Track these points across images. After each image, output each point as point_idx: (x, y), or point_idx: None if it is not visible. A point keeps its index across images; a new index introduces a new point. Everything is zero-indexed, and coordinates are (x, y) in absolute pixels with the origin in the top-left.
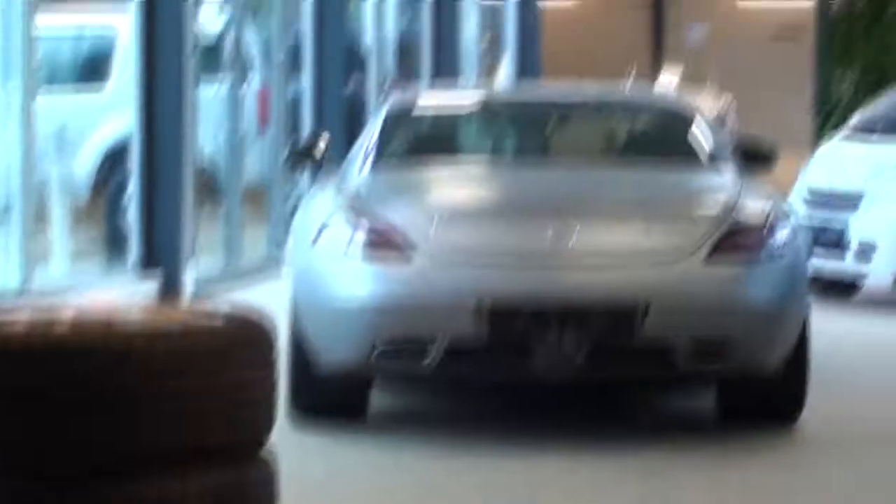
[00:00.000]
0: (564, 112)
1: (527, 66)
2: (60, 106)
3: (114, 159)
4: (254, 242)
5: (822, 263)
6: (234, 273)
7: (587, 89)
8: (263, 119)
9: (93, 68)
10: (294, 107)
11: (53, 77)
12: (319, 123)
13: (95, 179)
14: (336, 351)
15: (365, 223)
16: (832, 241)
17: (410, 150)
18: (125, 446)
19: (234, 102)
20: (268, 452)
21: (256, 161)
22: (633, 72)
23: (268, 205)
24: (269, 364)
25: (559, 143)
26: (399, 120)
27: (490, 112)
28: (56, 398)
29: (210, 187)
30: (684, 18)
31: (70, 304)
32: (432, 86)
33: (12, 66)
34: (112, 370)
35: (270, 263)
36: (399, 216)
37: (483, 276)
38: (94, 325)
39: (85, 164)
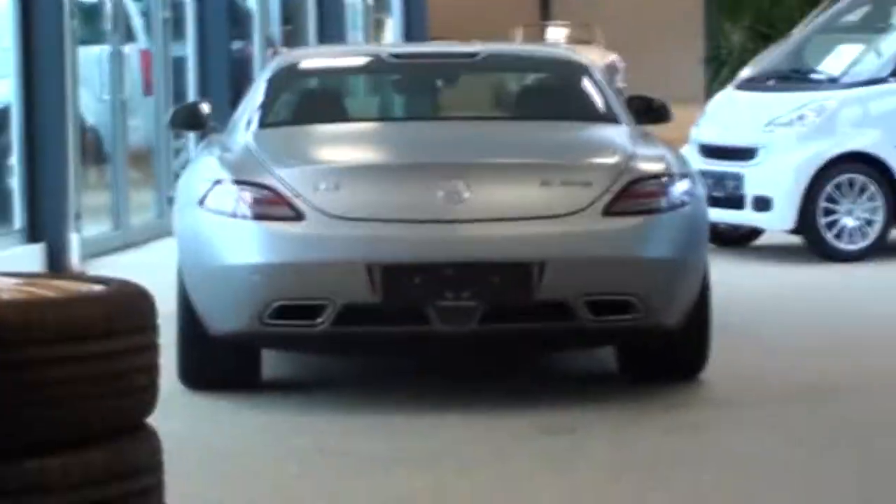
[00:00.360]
0: (453, 69)
1: (413, 26)
2: None
3: None
4: (142, 206)
5: (720, 214)
6: (122, 238)
7: (476, 46)
8: (147, 81)
9: None
10: (179, 69)
11: None
12: (204, 85)
13: None
14: (225, 316)
15: (253, 182)
16: (728, 193)
17: (297, 110)
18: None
19: (117, 64)
20: (150, 425)
21: (142, 124)
22: (521, 29)
23: (155, 167)
24: (148, 332)
25: (449, 100)
26: (285, 79)
27: (378, 70)
28: None
29: (96, 151)
30: None
31: None
32: (318, 44)
33: None
34: None
35: (158, 227)
36: (288, 175)
37: (375, 234)
38: None
39: None
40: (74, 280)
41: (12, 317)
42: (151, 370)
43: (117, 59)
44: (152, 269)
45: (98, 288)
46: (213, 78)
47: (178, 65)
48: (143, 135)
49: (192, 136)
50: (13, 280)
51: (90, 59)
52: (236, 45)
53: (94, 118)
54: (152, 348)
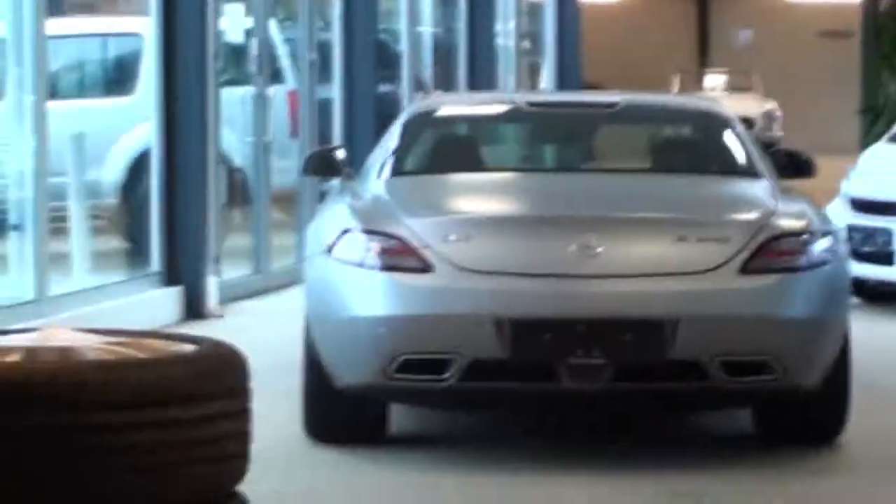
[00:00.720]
0: (591, 119)
1: (566, 71)
2: (88, 112)
3: (141, 165)
4: (283, 250)
5: (869, 269)
6: (262, 282)
7: (616, 96)
8: (294, 121)
9: (120, 74)
10: (325, 111)
11: (80, 83)
12: (350, 128)
13: (123, 186)
14: (351, 368)
15: (382, 231)
16: (877, 248)
17: (431, 157)
18: (82, 486)
19: (262, 104)
20: (241, 493)
21: (289, 166)
22: (678, 76)
23: (298, 211)
24: (239, 396)
25: (588, 151)
26: (421, 125)
27: (514, 119)
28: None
29: (242, 193)
30: (729, 16)
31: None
32: (466, 90)
33: (24, 71)
34: (65, 400)
35: (299, 272)
36: (417, 225)
37: (505, 288)
38: (49, 353)
39: (112, 170)
40: (167, 339)
41: (93, 377)
42: (241, 437)
43: (261, 100)
44: (290, 315)
45: (188, 348)
46: (359, 121)
47: (325, 107)
48: (290, 177)
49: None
50: (104, 338)
51: (234, 101)
52: (384, 87)
53: (240, 159)
54: (243, 413)
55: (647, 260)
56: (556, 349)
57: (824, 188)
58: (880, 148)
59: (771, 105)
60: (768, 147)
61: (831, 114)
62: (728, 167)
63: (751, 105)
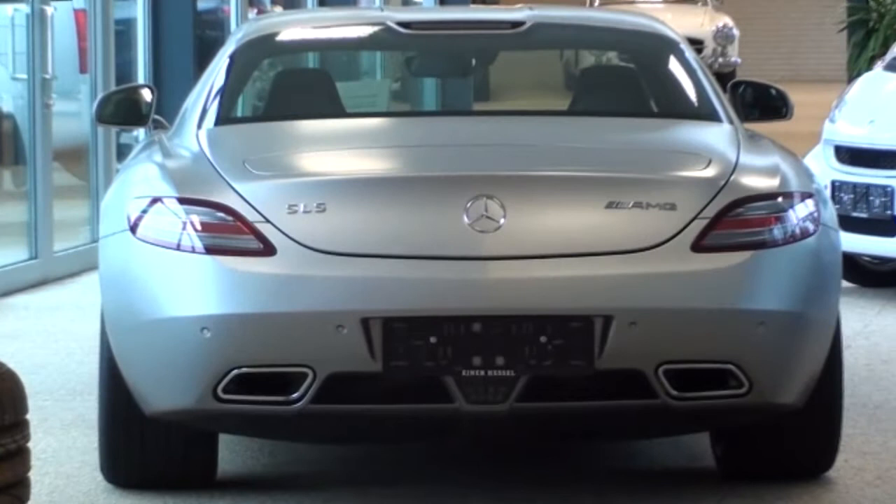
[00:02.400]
0: (489, 44)
1: None
2: None
3: None
4: (70, 227)
5: (862, 241)
6: (41, 270)
7: (522, 12)
8: (83, 51)
9: None
10: (124, 35)
11: None
12: (159, 57)
13: None
14: (166, 389)
15: (205, 200)
16: (873, 214)
17: (270, 100)
18: None
19: (39, 28)
20: None
21: (76, 110)
22: None
23: (91, 173)
24: (11, 431)
25: (484, 88)
26: (256, 54)
27: (382, 45)
28: None
29: (13, 148)
30: None
31: None
32: (315, 6)
33: None
34: None
35: (93, 256)
36: (254, 191)
37: (374, 276)
38: None
39: None
40: None
41: None
42: (15, 488)
43: (37, 21)
44: (81, 315)
45: None
46: (172, 50)
47: (125, 31)
48: (78, 127)
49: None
50: None
51: (2, 23)
52: (206, 2)
53: (8, 103)
54: (16, 456)
55: (567, 235)
56: (445, 358)
57: (801, 133)
58: (874, 77)
59: (724, 21)
60: (724, 78)
61: (806, 30)
62: (674, 107)
63: (699, 21)
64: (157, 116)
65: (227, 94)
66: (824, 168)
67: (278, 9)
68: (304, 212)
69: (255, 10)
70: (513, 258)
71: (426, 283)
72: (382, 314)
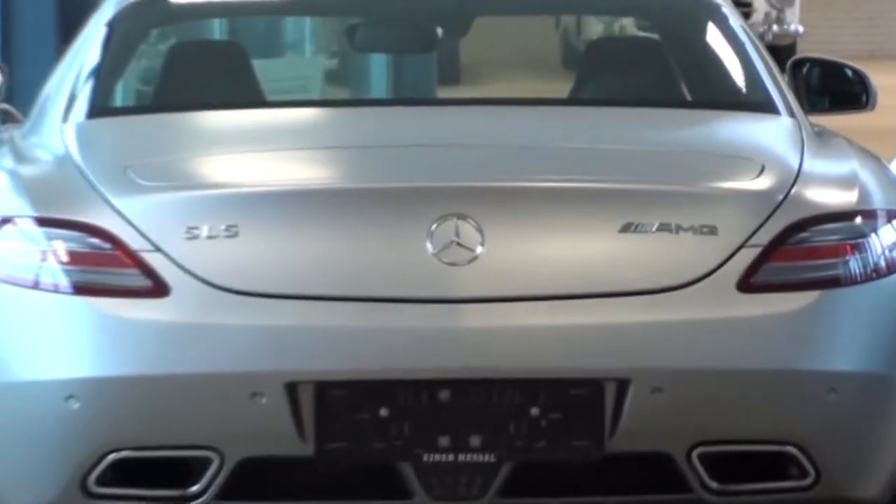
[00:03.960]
0: (465, 7)
1: None
2: None
3: None
4: None
5: None
6: None
7: None
8: None
9: None
10: None
11: None
12: (9, 26)
13: None
14: (20, 480)
15: (74, 223)
16: None
17: (162, 84)
18: None
19: None
20: None
21: None
22: None
23: None
24: None
25: (453, 68)
26: (140, 24)
27: (318, 7)
28: None
29: None
30: None
31: None
32: None
33: None
34: None
35: None
36: (141, 209)
37: (304, 324)
38: None
39: None
40: None
41: None
42: None
43: None
44: None
45: None
46: (26, 16)
47: None
48: None
49: None
50: None
51: None
52: None
53: None
54: None
55: (568, 269)
56: (400, 437)
57: (886, 129)
58: None
59: None
60: (781, 54)
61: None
62: (713, 94)
63: None
64: (5, 105)
65: (104, 76)
66: None
67: None
68: (209, 237)
69: None
70: (493, 300)
71: (375, 334)
72: (315, 377)
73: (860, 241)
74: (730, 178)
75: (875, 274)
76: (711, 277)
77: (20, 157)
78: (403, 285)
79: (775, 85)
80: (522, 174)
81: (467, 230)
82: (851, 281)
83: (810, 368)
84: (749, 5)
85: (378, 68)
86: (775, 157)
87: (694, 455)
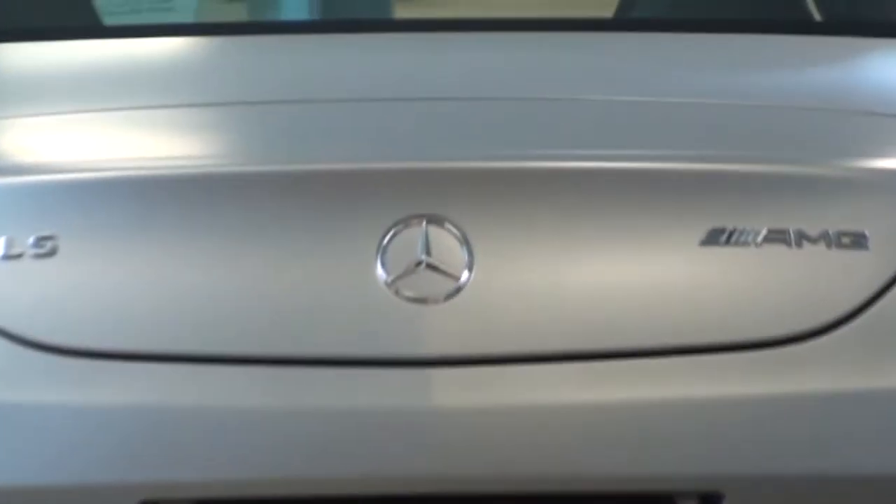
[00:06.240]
0: None
1: None
2: None
3: None
4: None
5: None
6: None
7: None
8: None
9: None
10: None
11: None
12: None
13: None
14: None
15: None
16: None
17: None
18: None
19: None
20: None
21: None
22: None
23: None
24: None
25: None
26: None
27: None
28: None
29: None
30: None
31: None
32: None
33: None
34: None
35: None
36: None
37: (168, 405)
38: None
39: None
40: None
41: None
42: None
43: None
44: None
45: None
46: None
47: None
48: None
49: None
50: None
51: None
52: None
53: None
54: None
55: (617, 307)
56: None
57: None
58: None
59: None
60: None
61: None
62: (859, 13)
63: None
64: None
65: None
66: None
67: None
68: (8, 256)
69: None
70: (490, 362)
71: (289, 422)
72: (189, 495)
73: None
74: (886, 153)
75: None
76: (858, 321)
77: None
78: (337, 338)
79: None
80: (535, 148)
81: (444, 242)
82: None
83: None
84: None
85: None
86: None
87: None
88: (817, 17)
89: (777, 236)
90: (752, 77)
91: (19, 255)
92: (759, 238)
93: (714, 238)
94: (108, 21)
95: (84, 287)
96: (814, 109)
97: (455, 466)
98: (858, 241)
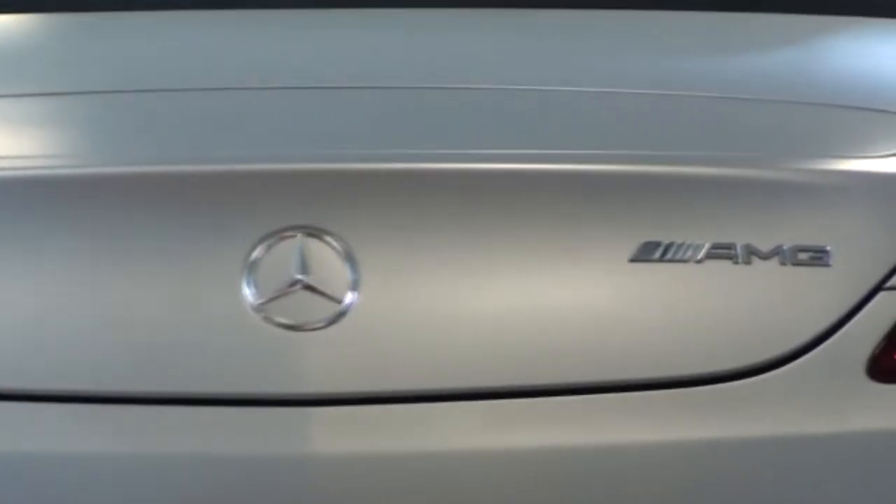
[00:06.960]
0: None
1: None
2: None
3: None
4: None
5: None
6: None
7: None
8: None
9: None
10: None
11: None
12: None
13: None
14: None
15: None
16: None
17: None
18: None
19: None
20: None
21: None
22: None
23: None
24: None
25: None
26: None
27: None
28: None
29: None
30: None
31: None
32: None
33: None
34: None
35: None
36: None
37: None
38: None
39: None
40: None
41: None
42: None
43: None
44: None
45: None
46: None
47: None
48: None
49: None
50: None
51: None
52: None
53: None
54: None
55: (543, 336)
56: None
57: None
58: None
59: None
60: None
61: None
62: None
63: None
64: None
65: None
66: None
67: None
68: None
69: None
70: (383, 400)
71: (130, 469)
72: None
73: None
74: (852, 152)
75: None
76: (817, 352)
77: None
78: (195, 372)
79: None
80: (431, 146)
81: (324, 258)
82: None
83: None
84: None
85: None
86: None
87: None
88: None
89: (722, 252)
90: (692, 62)
91: None
92: (701, 254)
93: (646, 253)
94: None
95: None
96: (766, 101)
97: None
98: (819, 257)
